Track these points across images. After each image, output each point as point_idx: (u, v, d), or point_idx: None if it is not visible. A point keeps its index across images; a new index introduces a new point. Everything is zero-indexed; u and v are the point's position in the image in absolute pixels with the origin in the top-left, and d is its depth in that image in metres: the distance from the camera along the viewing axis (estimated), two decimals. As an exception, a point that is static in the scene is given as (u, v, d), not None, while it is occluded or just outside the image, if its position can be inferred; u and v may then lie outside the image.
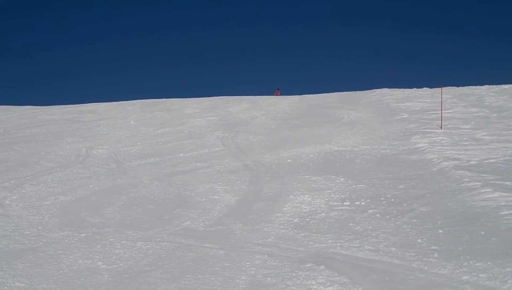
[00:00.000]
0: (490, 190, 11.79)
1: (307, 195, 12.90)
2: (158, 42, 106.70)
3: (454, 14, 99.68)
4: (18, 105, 41.16)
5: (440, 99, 25.89)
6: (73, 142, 23.42)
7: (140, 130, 26.56)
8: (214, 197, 13.39)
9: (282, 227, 10.68)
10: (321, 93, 39.98)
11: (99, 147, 22.09)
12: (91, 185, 15.34)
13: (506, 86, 32.95)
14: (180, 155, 19.72)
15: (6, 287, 8.14)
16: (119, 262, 9.15)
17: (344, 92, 38.98)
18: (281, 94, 42.90)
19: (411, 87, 36.96)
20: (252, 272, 8.47)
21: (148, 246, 9.91)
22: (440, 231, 9.73)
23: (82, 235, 10.74)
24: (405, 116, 25.25)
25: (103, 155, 20.28)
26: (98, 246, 9.98)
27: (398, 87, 37.46)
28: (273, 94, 43.54)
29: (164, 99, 41.36)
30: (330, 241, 9.67)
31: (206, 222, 11.34)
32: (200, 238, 10.31)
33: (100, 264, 9.10)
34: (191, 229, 10.94)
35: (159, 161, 18.87)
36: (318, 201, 12.41)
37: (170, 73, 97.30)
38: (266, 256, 9.07)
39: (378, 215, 11.03)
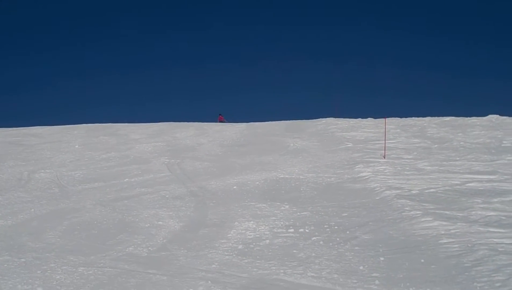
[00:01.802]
0: (430, 219, 12.07)
1: (252, 222, 12.95)
2: (107, 65, 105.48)
3: (398, 47, 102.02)
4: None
5: (384, 130, 26.41)
6: (15, 166, 22.94)
7: (85, 154, 26.21)
8: (159, 223, 13.30)
9: (226, 254, 10.68)
10: (268, 121, 40.27)
11: (42, 171, 21.69)
12: (32, 209, 15.04)
13: (447, 118, 33.87)
14: (125, 180, 19.54)
15: None
16: (59, 288, 8.98)
17: (291, 121, 39.34)
18: (227, 121, 42.94)
19: (356, 117, 37.65)
20: (195, 298, 8.43)
21: (90, 272, 9.76)
22: (382, 258, 9.90)
23: (22, 260, 10.51)
24: (349, 145, 25.65)
25: (46, 179, 19.92)
26: (38, 272, 9.78)
27: (343, 117, 38.11)
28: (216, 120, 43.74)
29: (110, 123, 40.95)
30: (274, 267, 9.72)
31: (150, 248, 11.26)
32: (143, 264, 10.22)
33: (40, 289, 8.92)
34: (135, 255, 10.83)
35: (103, 186, 18.65)
36: (262, 227, 12.46)
37: (118, 98, 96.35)
38: (209, 282, 9.05)
39: (321, 242, 11.15)
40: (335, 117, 37.83)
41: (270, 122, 39.44)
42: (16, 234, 12.47)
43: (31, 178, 20.06)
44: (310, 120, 38.76)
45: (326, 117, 38.10)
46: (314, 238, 11.46)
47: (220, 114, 45.19)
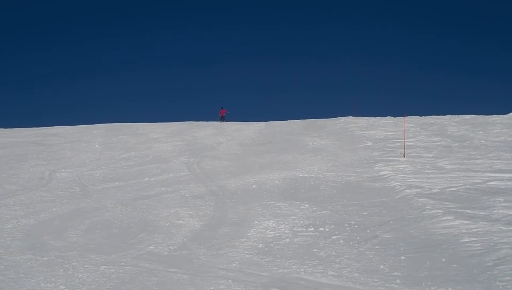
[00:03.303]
0: (451, 217, 12.00)
1: (271, 221, 12.96)
2: (126, 67, 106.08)
3: (418, 46, 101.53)
4: (-20, 127, 40.55)
5: (404, 128, 26.29)
6: (37, 165, 23.14)
7: (105, 154, 26.38)
8: (179, 221, 13.35)
9: (246, 252, 10.70)
10: (286, 120, 40.26)
11: (63, 170, 21.86)
12: (54, 209, 15.16)
13: (468, 116, 33.64)
14: (145, 179, 19.64)
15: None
16: (82, 286, 9.05)
17: (310, 120, 39.29)
18: (246, 121, 42.78)
19: (375, 116, 37.53)
20: (216, 297, 8.45)
21: (112, 270, 9.83)
22: (403, 257, 9.86)
23: (45, 258, 10.60)
24: (369, 144, 25.57)
25: (67, 179, 20.08)
26: (61, 270, 9.87)
27: (362, 115, 38.01)
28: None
29: (130, 123, 41.19)
30: (294, 266, 9.72)
31: (170, 247, 11.30)
32: (164, 263, 10.26)
33: (63, 288, 9.00)
34: (155, 254, 10.88)
35: (123, 185, 18.76)
36: (282, 226, 12.47)
37: (137, 97, 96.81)
38: (230, 281, 9.08)
39: (341, 241, 11.13)
40: (354, 116, 37.73)
41: (288, 121, 39.43)
42: (38, 233, 12.59)
43: (53, 178, 20.22)
44: (328, 118, 38.70)
45: (345, 116, 38.03)
46: (334, 237, 11.45)
47: (221, 107, 43.51)
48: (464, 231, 11.03)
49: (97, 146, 29.13)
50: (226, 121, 41.64)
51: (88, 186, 18.77)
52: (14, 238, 12.10)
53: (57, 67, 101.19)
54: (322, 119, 39.04)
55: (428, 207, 13.18)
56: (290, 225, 12.60)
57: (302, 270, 9.49)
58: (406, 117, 31.01)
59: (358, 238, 11.29)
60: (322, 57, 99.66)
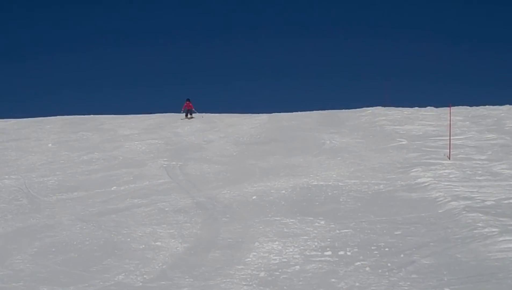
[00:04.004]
0: (510, 238, 12.00)
1: (277, 242, 12.97)
2: (86, 44, 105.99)
3: (467, 18, 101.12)
4: None
5: (449, 122, 26.28)
6: (-29, 170, 23.17)
7: (60, 155, 26.41)
8: (156, 243, 13.37)
9: (244, 283, 10.71)
10: (296, 111, 40.25)
11: (6, 177, 21.89)
12: (-6, 227, 15.21)
13: (532, 107, 33.64)
14: (112, 188, 19.66)
15: None
16: (30, 327, 9.07)
17: (326, 111, 39.29)
18: (244, 112, 42.61)
19: (411, 106, 37.53)
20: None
21: (69, 307, 9.85)
22: (447, 289, 9.87)
23: (-18, 292, 10.63)
24: (403, 142, 25.57)
25: (11, 188, 20.10)
26: (3, 306, 9.89)
27: (395, 105, 37.97)
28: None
29: (92, 115, 41.22)
30: (306, 301, 9.73)
31: (145, 276, 11.32)
32: (137, 297, 10.28)
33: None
34: (126, 285, 10.90)
35: (84, 196, 18.78)
36: (291, 250, 12.47)
37: (101, 82, 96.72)
38: (223, 320, 9.10)
39: (367, 268, 11.13)
40: (384, 106, 37.74)
41: (299, 113, 39.43)
42: (-27, 258, 12.60)
43: (-8, 187, 20.27)
44: (351, 109, 38.72)
45: (372, 106, 38.04)
46: (358, 263, 11.45)
47: (187, 99, 41.01)
48: (526, 255, 11.05)
49: (50, 145, 29.18)
50: (192, 116, 40.06)
51: (39, 197, 18.80)
52: None
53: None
54: (343, 110, 39.05)
55: (480, 225, 13.18)
56: (301, 247, 12.61)
57: (316, 306, 9.51)
58: (452, 107, 30.96)
59: (389, 264, 11.30)
60: (342, 32, 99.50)
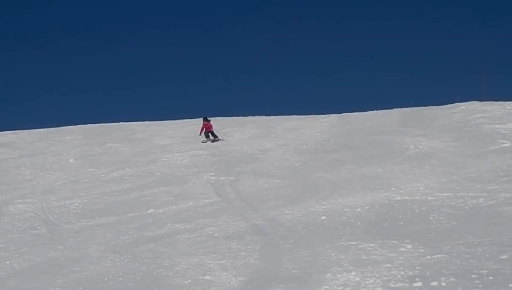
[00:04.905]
0: None
1: (353, 273, 12.91)
2: (112, 41, 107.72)
3: None
4: None
5: None
6: (-22, 194, 23.53)
7: (84, 173, 26.71)
8: (205, 277, 13.40)
9: (315, 324, 10.72)
10: (371, 110, 40.19)
11: (20, 200, 22.16)
12: (7, 262, 15.36)
13: None
14: (148, 211, 19.80)
15: None
16: None
17: (409, 109, 39.14)
18: (307, 114, 42.43)
19: (515, 100, 37.17)
20: None
21: None
22: None
23: None
24: (506, 144, 25.34)
25: (26, 214, 20.33)
26: None
27: (494, 99, 37.63)
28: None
29: (121, 123, 41.64)
30: None
31: (193, 318, 11.38)
32: None
33: None
34: (170, 329, 10.98)
35: (115, 221, 18.93)
36: (371, 281, 12.42)
37: (132, 84, 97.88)
38: None
39: (468, 302, 11.06)
40: (481, 101, 37.42)
41: (375, 112, 39.35)
42: (-16, 300, 12.81)
43: (3, 213, 20.54)
44: (440, 106, 38.49)
45: (466, 101, 37.77)
46: (455, 296, 11.37)
47: (205, 119, 37.68)
48: None
49: (71, 160, 29.53)
50: (217, 137, 37.01)
51: (60, 224, 19.00)
52: None
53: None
54: (430, 107, 38.84)
55: None
56: (384, 278, 12.55)
57: None
58: None
59: (495, 297, 11.20)
60: (423, 12, 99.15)
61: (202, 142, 35.44)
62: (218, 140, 35.66)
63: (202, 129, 36.82)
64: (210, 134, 36.71)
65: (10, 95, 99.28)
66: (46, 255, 15.88)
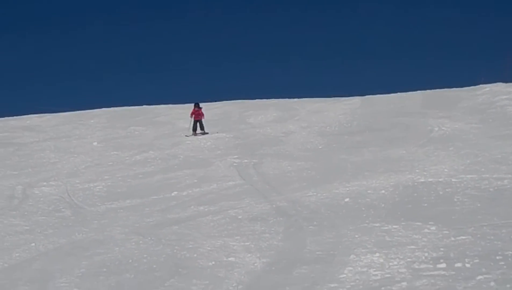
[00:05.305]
0: None
1: (377, 254, 12.90)
2: (137, 23, 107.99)
3: None
4: None
5: None
6: (3, 177, 23.66)
7: (108, 156, 26.77)
8: (229, 259, 13.42)
9: (339, 306, 10.71)
10: (394, 92, 40.08)
11: (44, 183, 22.25)
12: (32, 244, 15.45)
13: None
14: (172, 194, 19.83)
15: None
16: None
17: (432, 91, 38.99)
18: (330, 96, 42.33)
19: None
20: None
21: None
22: None
23: (21, 322, 10.85)
24: (532, 126, 25.24)
25: (51, 197, 20.41)
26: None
27: (519, 79, 37.46)
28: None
29: (145, 106, 41.66)
30: (417, 326, 9.70)
31: (217, 299, 11.40)
32: (208, 325, 10.38)
33: None
34: (194, 311, 11.00)
35: (139, 204, 18.98)
36: (395, 263, 12.39)
37: (155, 67, 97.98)
38: None
39: (492, 283, 11.01)
40: (506, 82, 37.22)
41: (398, 94, 39.24)
42: (10, 282, 12.83)
43: (28, 195, 20.61)
44: (464, 88, 38.33)
45: (490, 82, 37.58)
46: (480, 277, 11.32)
47: (196, 104, 35.80)
48: None
49: (95, 143, 29.61)
50: (204, 131, 34.58)
51: (84, 207, 19.07)
52: (-26, 292, 12.39)
53: (22, 23, 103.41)
54: (453, 89, 38.68)
55: None
56: (408, 260, 12.52)
57: (429, 331, 9.46)
58: None
59: (519, 278, 11.17)
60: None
61: (186, 135, 33.45)
62: (205, 133, 33.60)
63: (192, 114, 34.84)
64: (198, 126, 34.53)
65: (35, 78, 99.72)
66: (71, 237, 15.96)
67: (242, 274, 12.53)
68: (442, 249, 12.98)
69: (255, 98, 42.16)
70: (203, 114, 34.57)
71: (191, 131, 33.76)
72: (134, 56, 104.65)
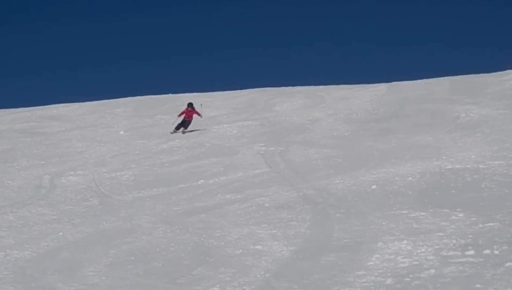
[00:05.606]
0: None
1: (405, 241, 12.87)
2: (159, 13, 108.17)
3: None
4: None
5: None
6: (30, 167, 23.74)
7: (134, 145, 26.85)
8: (256, 247, 13.44)
9: (367, 293, 10.69)
10: (421, 78, 39.92)
11: (71, 173, 22.35)
12: (60, 233, 15.53)
13: None
14: (199, 182, 19.87)
15: None
16: None
17: (459, 77, 38.81)
18: (357, 83, 42.22)
19: None
20: None
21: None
22: None
23: (50, 311, 10.89)
24: (561, 111, 25.09)
25: (78, 186, 20.50)
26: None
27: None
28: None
29: (171, 94, 41.70)
30: (447, 314, 9.66)
31: (245, 287, 11.39)
32: (236, 313, 10.38)
33: None
34: (222, 299, 11.01)
35: (166, 193, 19.02)
36: (423, 250, 12.36)
37: (180, 55, 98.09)
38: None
39: (522, 270, 10.97)
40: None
41: (425, 80, 39.09)
42: (38, 271, 12.90)
43: (56, 185, 20.70)
44: (491, 74, 38.13)
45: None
46: (509, 263, 11.27)
47: (190, 105, 33.67)
48: None
49: (121, 132, 29.70)
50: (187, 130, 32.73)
51: (112, 196, 19.14)
52: (3, 281, 12.44)
53: (50, 15, 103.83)
54: (481, 75, 38.49)
55: None
56: (436, 247, 12.48)
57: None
58: None
59: (549, 265, 11.11)
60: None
61: (171, 132, 31.80)
62: (187, 132, 31.69)
63: (181, 114, 32.95)
64: (182, 126, 32.63)
65: (61, 68, 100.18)
66: (99, 226, 16.02)
67: (270, 262, 12.55)
68: (470, 236, 12.93)
69: (280, 86, 42.10)
70: (199, 114, 32.88)
71: (173, 128, 32.00)
72: (161, 44, 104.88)
